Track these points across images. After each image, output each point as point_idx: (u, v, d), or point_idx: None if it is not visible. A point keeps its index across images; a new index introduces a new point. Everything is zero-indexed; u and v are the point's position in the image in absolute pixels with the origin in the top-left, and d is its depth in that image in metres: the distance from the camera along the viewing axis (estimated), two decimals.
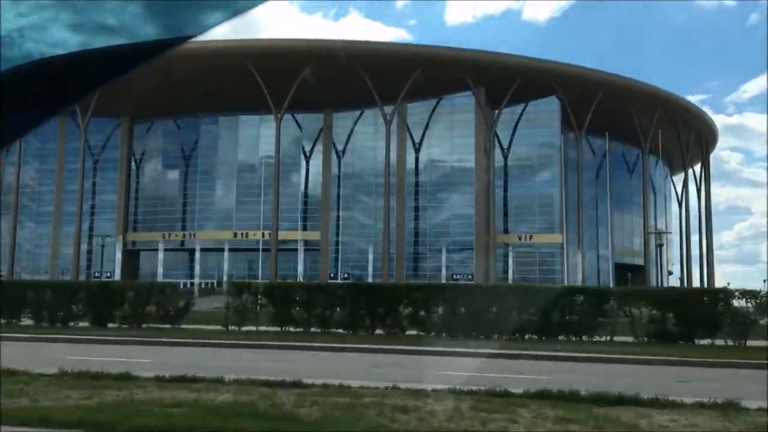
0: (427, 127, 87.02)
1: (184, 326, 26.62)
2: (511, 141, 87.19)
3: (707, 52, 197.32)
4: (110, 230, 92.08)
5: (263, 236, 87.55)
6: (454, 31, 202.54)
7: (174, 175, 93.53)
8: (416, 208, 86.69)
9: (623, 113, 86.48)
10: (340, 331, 24.24)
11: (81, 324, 27.10)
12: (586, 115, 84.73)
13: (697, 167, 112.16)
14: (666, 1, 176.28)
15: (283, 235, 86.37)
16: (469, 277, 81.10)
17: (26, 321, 27.64)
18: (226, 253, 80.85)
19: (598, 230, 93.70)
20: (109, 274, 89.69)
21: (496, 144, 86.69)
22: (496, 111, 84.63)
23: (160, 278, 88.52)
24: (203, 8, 2.10)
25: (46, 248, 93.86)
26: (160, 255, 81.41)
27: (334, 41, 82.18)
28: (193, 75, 79.70)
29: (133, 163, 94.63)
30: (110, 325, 26.54)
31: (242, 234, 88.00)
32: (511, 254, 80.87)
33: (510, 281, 73.06)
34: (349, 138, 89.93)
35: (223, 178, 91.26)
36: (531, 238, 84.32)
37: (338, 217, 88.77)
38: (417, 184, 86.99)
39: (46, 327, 26.64)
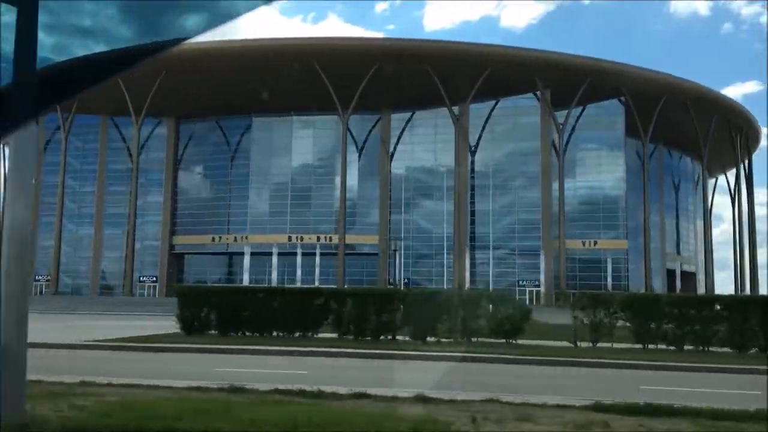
0: (483, 128, 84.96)
1: (520, 341, 23.42)
2: (567, 143, 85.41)
3: (681, 60, 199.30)
4: (154, 233, 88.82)
5: (318, 240, 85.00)
6: (433, 37, 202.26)
7: (222, 176, 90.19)
8: (473, 212, 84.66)
9: (674, 115, 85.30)
10: (726, 350, 21.73)
11: (392, 337, 23.88)
12: (645, 117, 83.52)
13: (731, 172, 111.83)
14: (641, 10, 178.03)
15: (336, 239, 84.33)
16: (536, 283, 79.46)
17: (324, 334, 24.70)
18: (317, 258, 78.33)
19: (650, 235, 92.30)
20: (155, 278, 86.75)
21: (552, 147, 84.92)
22: (558, 113, 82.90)
23: (212, 283, 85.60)
24: (180, 11, 2.18)
25: (86, 251, 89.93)
26: (249, 259, 78.54)
27: (401, 40, 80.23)
28: (243, 74, 77.29)
29: (178, 165, 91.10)
30: (429, 339, 23.59)
31: (297, 237, 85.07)
32: (609, 261, 79.05)
33: (610, 289, 71.23)
34: (399, 139, 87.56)
35: (274, 180, 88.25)
36: (596, 243, 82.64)
37: (389, 221, 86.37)
38: (473, 187, 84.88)
39: (351, 341, 23.54)
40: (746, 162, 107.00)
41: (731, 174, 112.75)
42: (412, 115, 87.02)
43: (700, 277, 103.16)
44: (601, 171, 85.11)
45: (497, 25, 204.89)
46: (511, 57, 77.30)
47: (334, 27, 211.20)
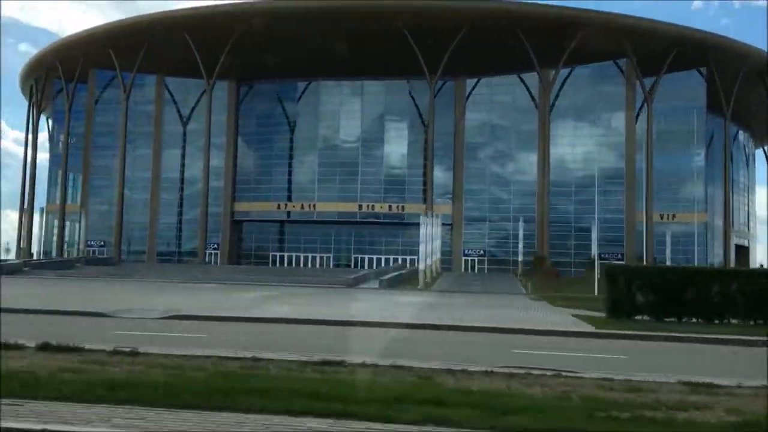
0: (557, 96, 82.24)
1: None
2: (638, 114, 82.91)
3: None
4: (213, 199, 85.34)
5: (389, 209, 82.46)
6: None
7: (285, 142, 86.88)
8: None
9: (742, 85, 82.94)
10: None
11: None
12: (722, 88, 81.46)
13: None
14: None
15: (410, 208, 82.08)
16: (619, 256, 77.61)
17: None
18: (428, 230, 73.41)
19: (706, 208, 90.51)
20: (216, 246, 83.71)
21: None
22: (642, 82, 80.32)
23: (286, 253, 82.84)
24: None
25: (140, 217, 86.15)
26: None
27: (493, 2, 77.01)
28: (315, 36, 73.89)
29: (238, 128, 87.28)
30: None
31: (368, 206, 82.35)
32: (733, 238, 77.08)
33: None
34: (464, 105, 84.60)
35: (343, 147, 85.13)
36: (674, 217, 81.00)
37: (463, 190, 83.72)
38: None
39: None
40: None
41: None
42: (477, 81, 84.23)
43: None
44: (681, 143, 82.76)
45: None
46: (602, 22, 74.61)
47: None
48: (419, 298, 38.89)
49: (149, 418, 7.30)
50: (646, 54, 76.10)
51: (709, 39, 77.50)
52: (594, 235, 63.38)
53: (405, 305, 31.31)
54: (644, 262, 73.21)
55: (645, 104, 78.99)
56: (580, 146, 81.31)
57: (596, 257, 57.79)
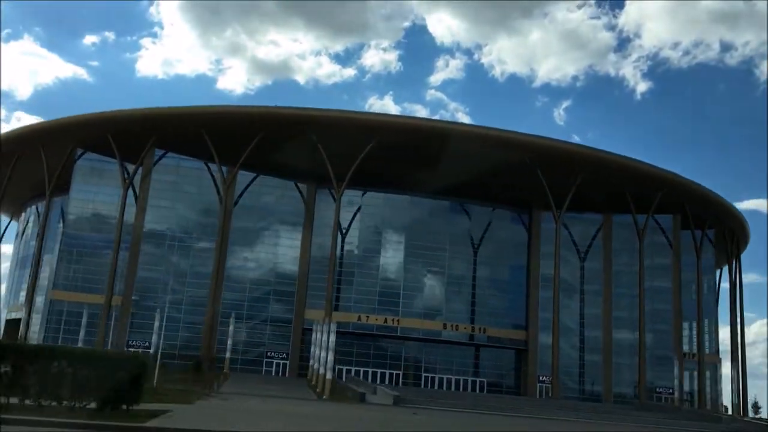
0: (592, 239, 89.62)
1: None
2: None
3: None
4: (278, 304, 79.18)
5: (473, 330, 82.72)
6: (141, 84, 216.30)
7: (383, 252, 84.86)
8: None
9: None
10: None
11: None
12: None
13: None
14: None
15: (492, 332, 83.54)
16: (671, 390, 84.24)
17: None
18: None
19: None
20: (285, 356, 77.28)
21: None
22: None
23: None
24: None
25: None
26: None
27: (558, 141, 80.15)
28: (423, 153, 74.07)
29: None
30: None
31: (452, 326, 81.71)
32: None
33: None
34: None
35: (436, 262, 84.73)
36: (694, 356, 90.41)
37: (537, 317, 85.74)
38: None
39: None
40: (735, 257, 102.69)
41: None
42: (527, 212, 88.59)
43: None
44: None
45: (213, 85, 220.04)
46: (651, 176, 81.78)
47: (29, 48, 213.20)
48: None
49: None
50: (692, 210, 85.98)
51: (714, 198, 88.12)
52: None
53: None
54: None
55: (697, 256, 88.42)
56: (630, 287, 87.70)
57: None
